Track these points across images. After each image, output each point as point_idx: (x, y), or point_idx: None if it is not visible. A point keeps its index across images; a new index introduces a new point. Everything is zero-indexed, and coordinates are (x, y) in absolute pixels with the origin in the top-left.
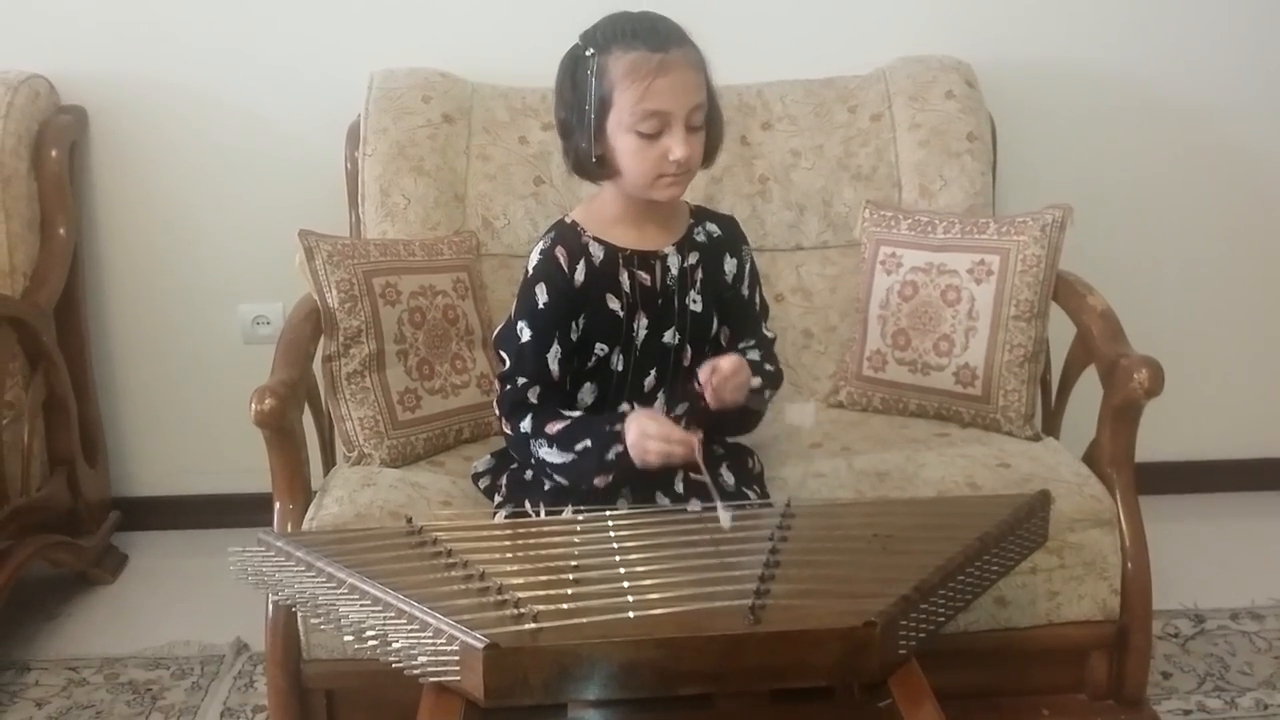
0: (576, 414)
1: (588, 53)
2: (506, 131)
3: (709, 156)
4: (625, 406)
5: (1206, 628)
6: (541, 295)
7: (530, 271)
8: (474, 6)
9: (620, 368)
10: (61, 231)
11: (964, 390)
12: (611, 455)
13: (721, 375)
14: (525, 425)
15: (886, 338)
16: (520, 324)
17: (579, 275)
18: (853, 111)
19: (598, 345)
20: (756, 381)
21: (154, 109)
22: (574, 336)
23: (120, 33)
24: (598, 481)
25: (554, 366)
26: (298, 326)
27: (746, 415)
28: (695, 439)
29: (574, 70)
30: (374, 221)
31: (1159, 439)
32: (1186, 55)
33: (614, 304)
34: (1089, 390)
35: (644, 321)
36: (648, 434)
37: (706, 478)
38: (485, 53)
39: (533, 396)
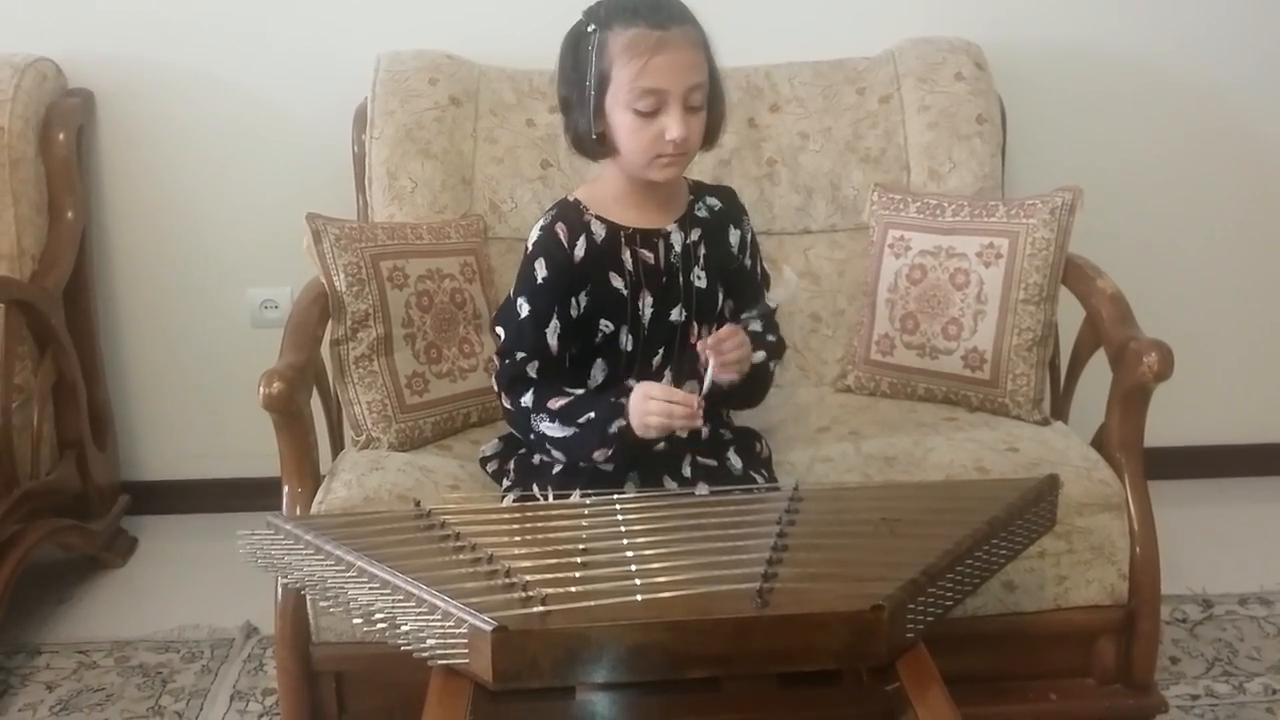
0: (579, 390)
1: (589, 28)
2: (514, 114)
3: (710, 138)
4: (631, 382)
5: (1215, 613)
6: (541, 270)
7: (530, 247)
8: None
9: (629, 347)
10: (69, 215)
11: (972, 374)
12: (614, 429)
13: (718, 337)
14: (526, 400)
15: (895, 321)
16: (520, 299)
17: (579, 251)
18: (861, 93)
19: (603, 323)
20: (759, 356)
21: (161, 92)
22: (574, 314)
23: (127, 16)
24: (597, 455)
25: (553, 341)
26: (305, 310)
27: (753, 386)
28: (695, 398)
29: (576, 46)
30: (381, 205)
31: (1168, 423)
32: (1198, 37)
33: (617, 282)
34: (1098, 374)
35: (649, 300)
36: (650, 395)
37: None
38: (492, 35)
39: (532, 371)
